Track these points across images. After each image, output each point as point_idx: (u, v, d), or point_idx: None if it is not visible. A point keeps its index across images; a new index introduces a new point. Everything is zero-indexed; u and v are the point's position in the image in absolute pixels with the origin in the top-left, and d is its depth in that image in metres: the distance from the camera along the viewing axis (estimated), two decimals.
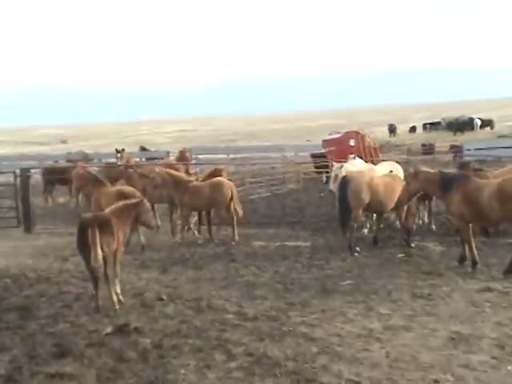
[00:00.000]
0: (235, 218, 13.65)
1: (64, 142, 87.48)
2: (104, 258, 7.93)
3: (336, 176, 14.13)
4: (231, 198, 13.66)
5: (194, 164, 21.86)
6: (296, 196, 21.92)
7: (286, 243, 13.28)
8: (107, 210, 8.40)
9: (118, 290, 8.33)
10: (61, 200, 22.65)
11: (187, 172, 18.43)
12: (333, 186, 14.15)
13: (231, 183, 13.99)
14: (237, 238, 13.48)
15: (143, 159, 37.70)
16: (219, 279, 9.98)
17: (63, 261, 11.69)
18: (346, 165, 14.55)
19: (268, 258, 11.63)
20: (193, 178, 15.59)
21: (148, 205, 8.75)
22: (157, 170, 13.95)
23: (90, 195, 13.92)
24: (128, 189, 13.43)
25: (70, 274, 10.29)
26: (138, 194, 12.69)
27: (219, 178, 14.20)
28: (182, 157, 20.53)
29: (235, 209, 13.70)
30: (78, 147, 64.47)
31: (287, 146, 44.89)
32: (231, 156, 40.25)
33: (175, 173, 14.13)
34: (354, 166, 14.77)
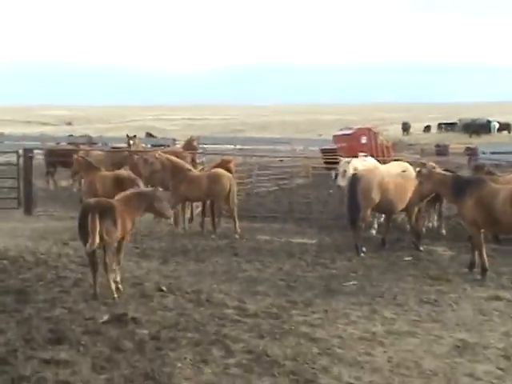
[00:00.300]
0: (235, 210, 13.71)
1: (69, 123, 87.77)
2: (104, 246, 7.99)
3: (344, 171, 14.16)
4: (229, 191, 13.66)
5: (201, 153, 21.76)
6: (304, 191, 21.91)
7: (292, 239, 13.31)
8: (116, 197, 8.49)
9: (118, 279, 8.38)
10: (63, 183, 22.69)
11: (193, 161, 18.42)
12: (341, 182, 14.18)
13: (230, 175, 14.00)
14: (238, 231, 13.48)
15: (149, 145, 37.71)
16: (221, 273, 10.01)
17: (63, 245, 11.71)
18: (353, 161, 14.57)
19: (272, 254, 11.66)
20: (198, 168, 15.66)
21: (162, 194, 8.80)
22: (156, 154, 13.94)
23: (86, 180, 14.14)
24: (124, 173, 13.58)
25: (68, 259, 10.31)
26: (134, 178, 12.98)
27: (218, 170, 14.24)
28: (189, 145, 20.45)
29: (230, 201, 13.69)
30: (81, 130, 64.66)
31: (297, 140, 44.95)
32: (239, 147, 40.25)
33: (175, 159, 14.14)
34: (362, 162, 14.77)
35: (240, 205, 17.62)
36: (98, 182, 13.64)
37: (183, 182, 13.57)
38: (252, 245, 12.59)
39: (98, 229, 7.71)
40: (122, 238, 8.37)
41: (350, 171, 13.88)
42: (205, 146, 33.08)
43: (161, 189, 8.89)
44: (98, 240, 7.69)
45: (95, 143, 40.45)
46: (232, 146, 40.82)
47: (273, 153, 35.28)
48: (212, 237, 13.42)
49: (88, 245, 7.69)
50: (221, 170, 14.15)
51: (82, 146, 26.78)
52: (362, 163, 14.77)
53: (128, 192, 8.67)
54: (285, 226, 15.54)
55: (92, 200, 8.41)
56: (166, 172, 13.76)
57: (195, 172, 14.14)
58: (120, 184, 12.86)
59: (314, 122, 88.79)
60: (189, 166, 14.33)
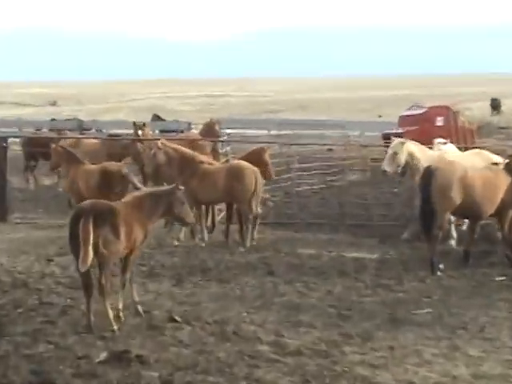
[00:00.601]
0: (256, 215, 13.86)
1: (53, 104, 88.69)
2: (100, 262, 8.10)
3: (394, 154, 14.11)
4: (255, 189, 13.71)
5: (225, 141, 21.70)
6: (360, 190, 21.54)
7: (345, 253, 13.34)
8: (125, 198, 8.81)
9: (120, 306, 8.45)
10: (46, 181, 22.79)
11: (214, 152, 18.44)
12: (386, 166, 14.17)
13: (255, 169, 13.95)
14: (248, 244, 13.60)
15: (156, 131, 37.77)
16: (251, 298, 10.04)
17: (47, 262, 11.76)
18: (409, 143, 14.52)
19: (319, 273, 11.67)
20: (221, 160, 15.62)
21: (183, 194, 9.00)
22: (159, 143, 14.08)
23: (66, 176, 14.60)
24: (112, 166, 13.87)
25: (55, 280, 10.37)
26: (125, 173, 13.30)
27: (240, 162, 14.35)
28: (209, 130, 20.25)
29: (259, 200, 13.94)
30: (68, 112, 65.22)
31: (350, 122, 44.62)
32: (273, 132, 40.03)
33: (183, 149, 14.28)
34: (421, 147, 14.70)
35: (276, 208, 17.66)
36: (79, 179, 13.96)
37: (193, 178, 13.61)
38: (292, 261, 12.60)
39: (91, 239, 7.80)
40: (130, 253, 8.48)
41: (403, 156, 13.96)
42: (229, 131, 32.99)
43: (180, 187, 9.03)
44: (91, 254, 7.78)
45: (87, 129, 40.43)
46: (265, 132, 40.63)
47: (318, 140, 35.02)
48: (240, 250, 13.46)
49: (80, 263, 7.79)
50: (243, 162, 14.22)
51: (70, 134, 26.79)
52: (423, 148, 14.66)
53: (140, 192, 8.97)
54: (335, 235, 15.66)
55: (87, 202, 8.55)
56: (172, 166, 13.93)
57: (210, 165, 14.23)
58: (107, 180, 13.22)
59: (371, 99, 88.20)
60: (201, 158, 14.43)
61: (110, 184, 13.45)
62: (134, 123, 20.66)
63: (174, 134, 35.27)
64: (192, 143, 17.44)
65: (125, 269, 8.58)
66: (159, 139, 15.00)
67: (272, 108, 77.78)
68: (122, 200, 8.79)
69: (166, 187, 9.19)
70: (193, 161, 13.96)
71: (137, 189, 13.16)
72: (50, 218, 16.43)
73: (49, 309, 8.87)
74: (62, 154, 14.68)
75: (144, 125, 20.56)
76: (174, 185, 9.02)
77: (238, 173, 13.75)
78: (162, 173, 14.84)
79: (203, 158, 14.66)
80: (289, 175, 21.52)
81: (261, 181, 13.99)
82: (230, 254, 13.14)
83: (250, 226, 13.84)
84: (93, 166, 14.28)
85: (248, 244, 13.75)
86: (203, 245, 13.92)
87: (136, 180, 12.98)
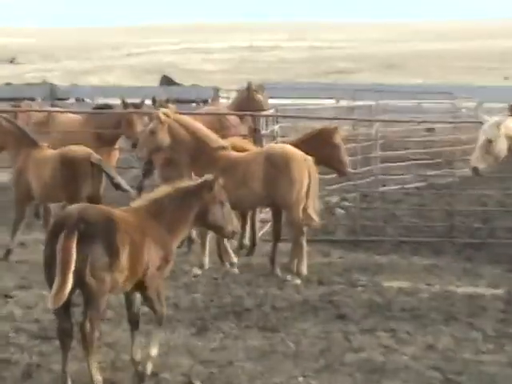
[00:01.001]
0: (309, 226, 13.97)
1: (11, 61, 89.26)
2: (86, 297, 8.24)
3: (488, 143, 13.75)
4: (309, 188, 13.76)
5: (271, 116, 21.44)
6: (476, 191, 21.49)
7: (453, 287, 13.38)
8: (134, 203, 9.18)
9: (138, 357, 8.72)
10: (3, 176, 22.87)
11: (254, 131, 18.43)
12: (475, 161, 13.82)
13: (309, 158, 13.94)
14: (304, 271, 13.69)
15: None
16: (311, 354, 10.04)
17: (4, 299, 11.88)
18: (508, 120, 14.29)
19: (414, 317, 11.67)
20: (266, 144, 15.64)
21: (221, 191, 9.28)
22: (161, 114, 13.97)
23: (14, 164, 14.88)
24: (78, 151, 14.21)
25: (14, 326, 10.40)
26: (97, 159, 13.73)
27: (284, 147, 14.39)
28: (246, 101, 20.07)
29: (314, 206, 13.95)
30: (36, 73, 65.59)
31: (461, 89, 44.17)
32: (344, 103, 39.69)
33: (199, 126, 14.31)
34: None
35: (349, 219, 17.97)
36: (30, 169, 14.34)
37: (213, 170, 12.40)
38: (373, 298, 12.66)
39: (73, 262, 7.93)
40: (139, 286, 8.73)
41: (503, 142, 13.72)
42: (277, 101, 32.68)
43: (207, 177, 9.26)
44: (69, 285, 7.90)
45: (63, 98, 40.83)
46: (332, 103, 40.33)
47: (413, 115, 34.57)
48: (294, 282, 13.52)
49: (51, 295, 7.90)
50: (289, 148, 14.25)
51: (36, 105, 26.58)
52: None
53: (156, 192, 9.16)
54: (439, 259, 15.59)
55: (73, 208, 8.69)
56: (181, 150, 13.97)
57: (240, 152, 14.25)
58: (69, 172, 13.55)
59: (493, 52, 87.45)
60: (229, 141, 14.50)
61: (74, 178, 13.82)
62: (154, 100, 19.83)
63: (193, 105, 35.09)
64: (219, 120, 17.64)
65: (132, 312, 8.98)
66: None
67: (343, 67, 77.49)
68: (131, 205, 9.09)
69: (194, 181, 9.32)
70: (209, 143, 13.98)
71: (115, 185, 13.82)
72: (8, 230, 16.42)
73: (4, 369, 8.87)
74: (7, 133, 14.90)
75: (167, 101, 19.61)
76: (208, 176, 9.22)
77: (282, 162, 13.73)
78: (160, 159, 15.24)
79: (233, 141, 14.79)
80: (368, 168, 21.63)
81: (316, 175, 14.05)
82: (278, 287, 13.24)
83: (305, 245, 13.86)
84: (50, 152, 14.65)
85: (305, 272, 13.79)
86: (236, 271, 14.04)
87: (114, 172, 13.17)
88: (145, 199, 9.19)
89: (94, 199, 13.39)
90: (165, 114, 14.12)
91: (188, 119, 14.56)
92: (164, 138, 13.85)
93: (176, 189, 9.16)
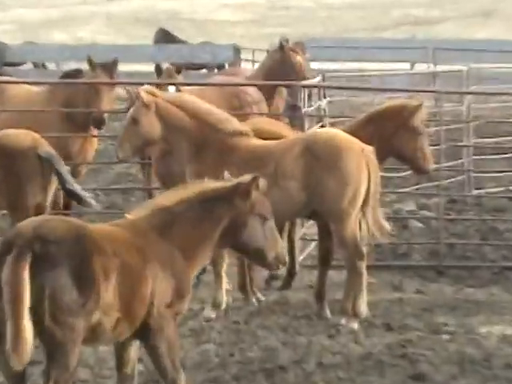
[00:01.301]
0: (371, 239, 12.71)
1: None
2: (47, 348, 7.32)
3: None
4: (368, 191, 12.26)
5: (315, 86, 18.96)
6: None
7: None
8: (131, 214, 8.25)
9: None
10: None
11: (287, 108, 17.26)
12: None
13: (369, 148, 12.52)
14: (364, 311, 12.17)
15: (166, 64, 35.28)
16: None
17: None
18: None
19: None
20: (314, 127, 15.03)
21: (263, 200, 8.39)
22: (143, 95, 12.22)
23: None
24: (20, 137, 12.64)
25: None
26: (47, 151, 12.54)
27: (335, 132, 13.16)
28: (283, 63, 18.16)
29: (376, 217, 12.64)
30: None
31: None
32: (419, 69, 37.85)
33: (197, 103, 12.73)
34: None
35: (429, 234, 16.69)
36: None
37: (222, 163, 11.57)
38: (462, 349, 11.12)
39: (25, 298, 7.06)
40: (142, 333, 7.62)
41: None
42: (324, 65, 31.02)
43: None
44: (28, 329, 6.98)
45: (15, 63, 39.03)
46: (404, 67, 38.51)
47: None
48: (350, 328, 12.16)
49: (11, 351, 7.05)
50: (339, 133, 12.96)
51: None
52: None
53: (167, 195, 8.25)
54: None
55: (26, 223, 7.75)
56: (177, 140, 12.47)
57: (266, 140, 12.84)
58: (6, 167, 12.33)
59: None
60: (239, 125, 12.85)
61: (15, 177, 12.50)
62: (158, 68, 18.24)
63: (202, 72, 35.06)
64: (238, 94, 16.10)
65: (123, 374, 7.89)
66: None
67: (419, 16, 73.06)
68: (127, 216, 8.11)
69: (223, 182, 8.22)
70: (226, 129, 12.38)
71: (67, 192, 12.68)
72: None
73: None
74: None
75: (179, 73, 17.91)
76: (245, 177, 8.01)
77: (330, 155, 12.30)
78: (153, 152, 14.42)
79: (258, 123, 13.65)
80: (457, 162, 19.77)
81: (378, 173, 12.62)
82: (327, 335, 11.74)
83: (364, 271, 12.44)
84: None
85: (366, 312, 12.22)
86: (266, 311, 12.86)
87: (65, 169, 12.19)
88: (147, 207, 8.15)
89: (37, 208, 12.40)
90: (149, 92, 12.49)
91: (185, 96, 13.18)
92: (153, 128, 12.26)
93: (195, 193, 8.00)
